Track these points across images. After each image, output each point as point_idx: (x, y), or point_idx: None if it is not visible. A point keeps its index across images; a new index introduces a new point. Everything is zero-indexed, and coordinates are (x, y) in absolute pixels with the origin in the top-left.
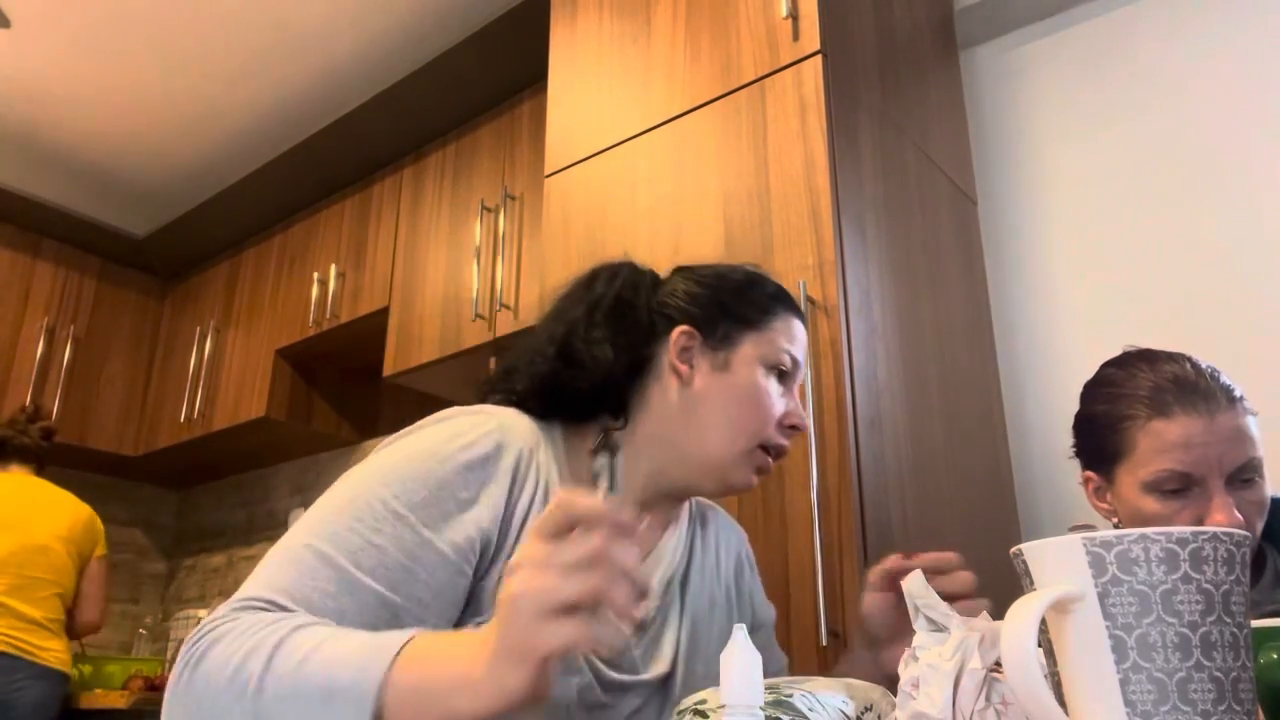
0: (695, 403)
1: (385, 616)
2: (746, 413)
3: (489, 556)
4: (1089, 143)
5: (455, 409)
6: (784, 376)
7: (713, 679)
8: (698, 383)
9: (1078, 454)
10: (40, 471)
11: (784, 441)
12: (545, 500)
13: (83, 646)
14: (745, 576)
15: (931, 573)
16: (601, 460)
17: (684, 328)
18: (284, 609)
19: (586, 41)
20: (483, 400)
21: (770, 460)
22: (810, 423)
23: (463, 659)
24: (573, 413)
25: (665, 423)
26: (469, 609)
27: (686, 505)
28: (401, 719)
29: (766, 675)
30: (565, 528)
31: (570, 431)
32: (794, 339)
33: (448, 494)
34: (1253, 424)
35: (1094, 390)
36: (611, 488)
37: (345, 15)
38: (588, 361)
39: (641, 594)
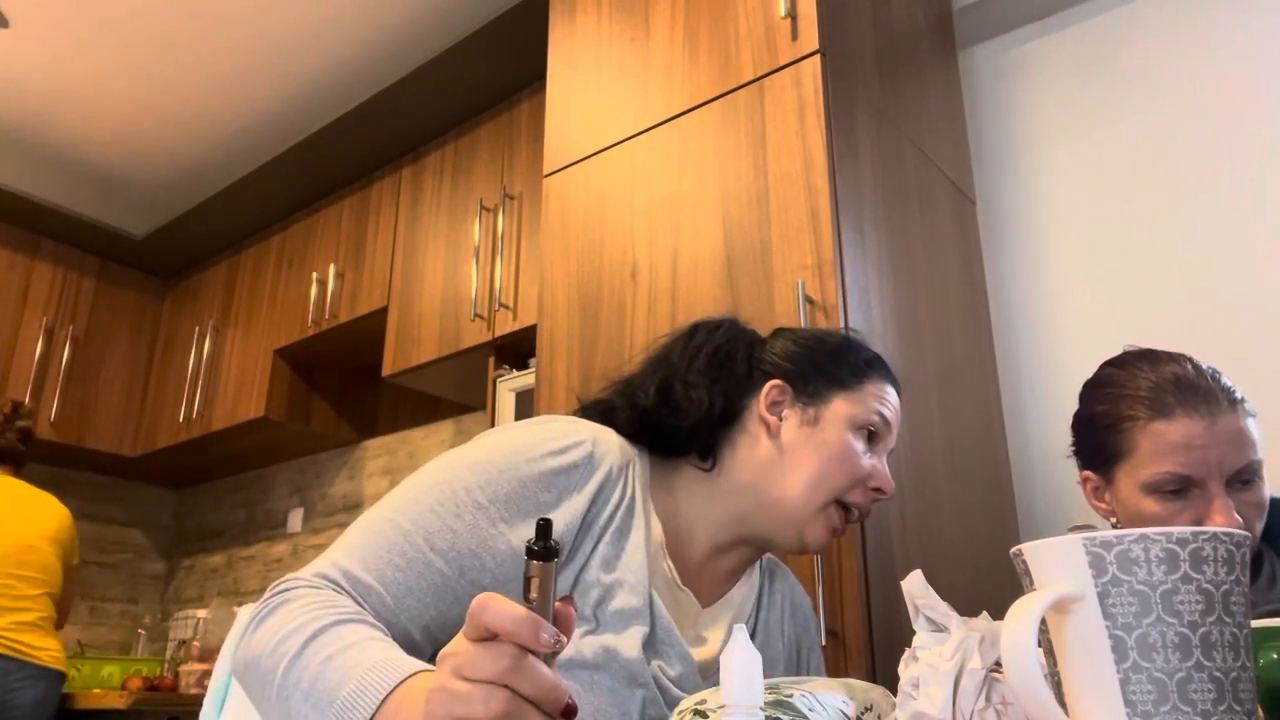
0: (781, 453)
1: (448, 599)
2: (830, 468)
3: (563, 559)
4: (1088, 142)
5: (556, 415)
6: (873, 438)
7: None
8: (785, 435)
9: (1076, 453)
10: (19, 472)
11: (865, 501)
12: (629, 513)
13: (82, 647)
14: (808, 641)
15: None
16: (534, 565)
17: (776, 381)
18: (358, 580)
19: (585, 41)
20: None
21: (846, 520)
22: None
23: None
24: (664, 448)
25: (750, 471)
26: None
27: (759, 563)
28: None
29: None
30: (483, 635)
31: (657, 459)
32: (886, 403)
33: (530, 493)
34: (1253, 426)
35: (1094, 390)
36: (539, 595)
37: (345, 15)
38: (684, 404)
39: (568, 711)
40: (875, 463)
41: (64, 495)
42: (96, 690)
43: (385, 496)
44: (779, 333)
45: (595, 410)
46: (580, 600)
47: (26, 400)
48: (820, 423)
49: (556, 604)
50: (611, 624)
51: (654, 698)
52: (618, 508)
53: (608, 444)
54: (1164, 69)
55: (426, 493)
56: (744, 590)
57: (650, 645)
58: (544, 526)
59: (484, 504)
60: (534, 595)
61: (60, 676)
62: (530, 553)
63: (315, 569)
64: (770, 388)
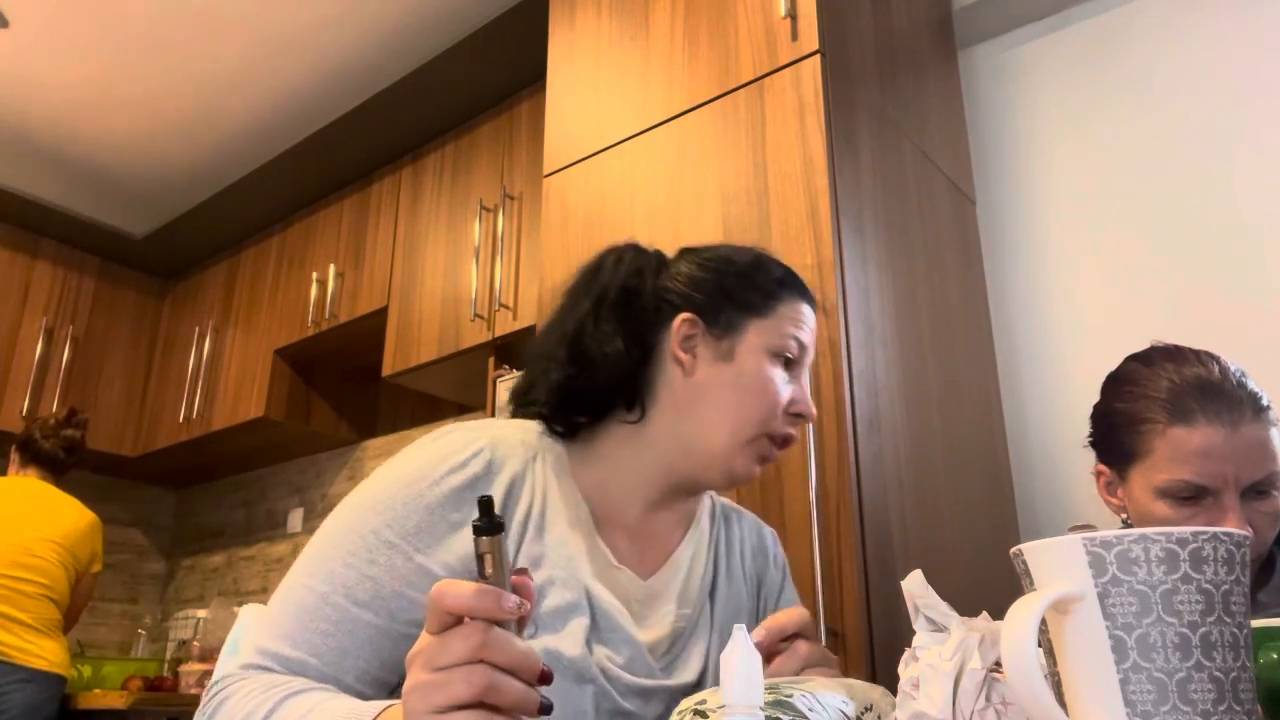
0: (698, 394)
1: (389, 644)
2: (750, 403)
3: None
4: (1087, 141)
5: (451, 425)
6: (790, 364)
7: None
8: (700, 373)
9: (1093, 445)
10: (59, 480)
11: (790, 430)
12: (546, 506)
13: (82, 647)
14: (770, 579)
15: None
16: (483, 541)
17: (686, 315)
18: (289, 659)
19: (585, 41)
20: (514, 417)
21: (775, 450)
22: (809, 423)
23: None
24: (591, 411)
25: (671, 415)
26: None
27: (709, 509)
28: None
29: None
30: (446, 622)
31: (581, 433)
32: (801, 324)
33: (439, 517)
34: (1275, 435)
35: (1116, 386)
36: (495, 569)
37: (344, 15)
38: (599, 359)
39: (544, 678)
40: (794, 388)
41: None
42: (96, 690)
43: (299, 557)
44: (684, 254)
45: (519, 397)
46: None
47: (27, 400)
48: (735, 356)
49: (513, 577)
50: (549, 624)
51: (603, 689)
52: (532, 505)
53: (508, 444)
54: (1164, 69)
55: (335, 546)
56: (690, 549)
57: (594, 635)
58: (486, 502)
59: (395, 542)
60: (489, 570)
61: (58, 680)
62: (477, 530)
63: (243, 660)
64: (681, 323)
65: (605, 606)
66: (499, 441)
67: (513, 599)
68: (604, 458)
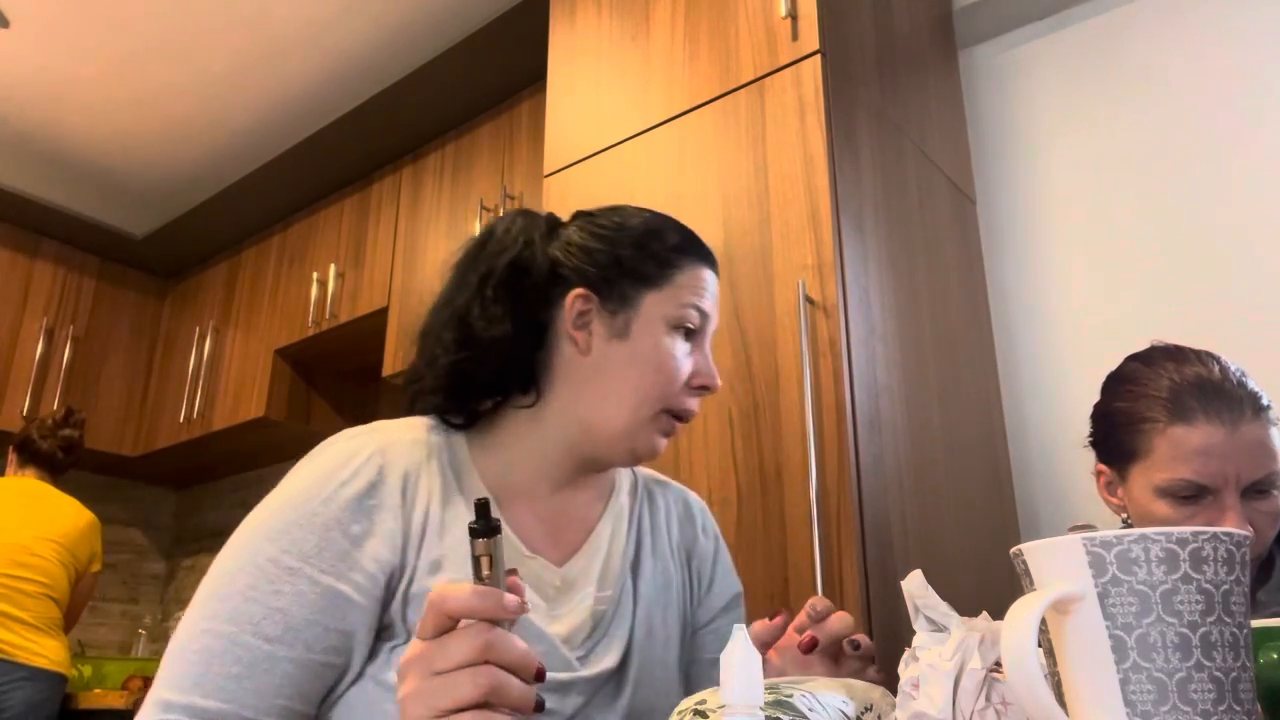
0: (595, 373)
1: (308, 677)
2: (649, 380)
3: (396, 581)
4: (1087, 141)
5: (334, 437)
6: (691, 334)
7: (671, 667)
8: (596, 351)
9: (1093, 445)
10: (57, 480)
11: (691, 405)
12: (445, 504)
13: (82, 647)
14: (701, 548)
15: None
16: (480, 544)
17: (579, 291)
18: (204, 710)
19: (585, 41)
20: (410, 412)
21: (676, 424)
22: (810, 423)
23: None
24: (489, 396)
25: (568, 396)
26: (381, 635)
27: (629, 483)
28: None
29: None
30: (445, 625)
31: (483, 425)
32: (701, 291)
33: (338, 534)
34: (1276, 435)
35: (1116, 385)
36: (492, 571)
37: (344, 15)
38: (488, 342)
39: (538, 676)
40: (696, 358)
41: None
42: (96, 690)
43: (192, 601)
44: (576, 219)
45: (408, 384)
46: (415, 613)
47: (27, 400)
48: (632, 332)
49: (508, 578)
50: None
51: None
52: (430, 507)
53: (398, 445)
54: (1164, 68)
55: (233, 582)
56: (609, 526)
57: None
58: (482, 505)
59: (297, 567)
60: (486, 572)
61: (58, 679)
62: (474, 531)
63: (145, 717)
64: (574, 299)
65: None
66: (388, 445)
67: (514, 599)
68: (505, 444)
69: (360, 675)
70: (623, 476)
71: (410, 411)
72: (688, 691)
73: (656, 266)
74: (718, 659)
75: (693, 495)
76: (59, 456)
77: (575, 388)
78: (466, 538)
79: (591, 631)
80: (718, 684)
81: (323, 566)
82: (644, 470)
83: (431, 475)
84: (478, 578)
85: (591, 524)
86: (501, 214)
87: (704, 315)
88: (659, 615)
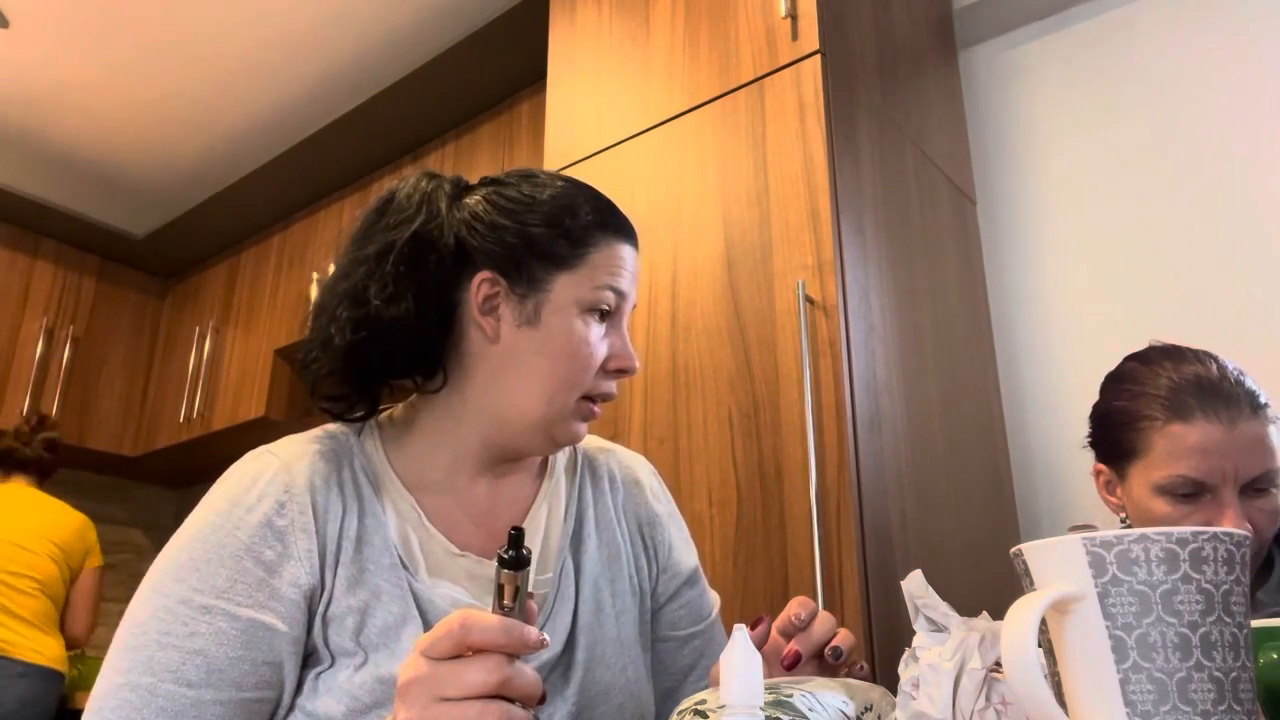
0: (505, 361)
1: (243, 714)
2: (563, 367)
3: (315, 603)
4: (1087, 141)
5: (235, 465)
6: (606, 315)
7: (626, 642)
8: (505, 338)
9: (1092, 445)
10: (42, 483)
11: (608, 388)
12: (362, 515)
13: (82, 648)
14: (653, 514)
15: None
16: (505, 574)
17: (485, 274)
18: None
19: (585, 41)
20: (312, 395)
21: (596, 408)
22: (809, 423)
23: None
24: (389, 377)
25: (480, 384)
26: (306, 663)
27: (566, 461)
28: None
29: (701, 619)
30: (460, 652)
31: (396, 424)
32: (617, 270)
33: (250, 563)
34: (1274, 433)
35: (1115, 384)
36: (516, 601)
37: (344, 15)
38: (387, 323)
39: (541, 699)
40: (613, 339)
41: (64, 495)
42: None
43: (107, 656)
44: (483, 186)
45: (306, 372)
46: (337, 635)
47: (26, 401)
48: (542, 319)
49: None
50: (379, 644)
51: None
52: (344, 520)
53: (303, 460)
54: (1164, 69)
55: (145, 631)
56: (544, 509)
57: None
58: (517, 536)
59: (212, 604)
60: (508, 603)
61: (56, 676)
62: (503, 562)
63: None
64: (480, 282)
65: (440, 606)
66: (292, 460)
67: (536, 635)
68: (420, 439)
69: (291, 709)
70: (559, 454)
71: (312, 395)
72: (652, 669)
73: (569, 246)
74: (688, 635)
75: (640, 460)
76: (45, 458)
77: (486, 378)
78: (389, 542)
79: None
80: (691, 663)
81: (239, 600)
82: (589, 438)
83: (344, 486)
84: (499, 607)
85: (525, 508)
86: None
87: (620, 295)
88: (607, 590)
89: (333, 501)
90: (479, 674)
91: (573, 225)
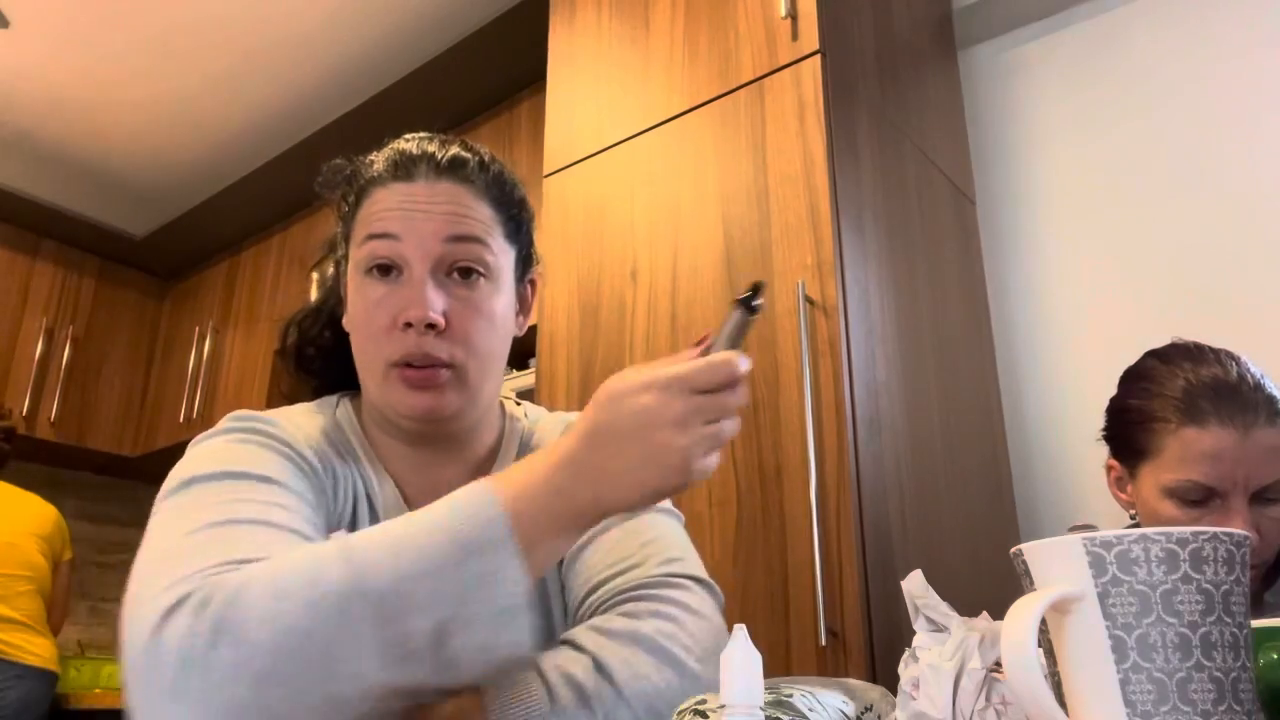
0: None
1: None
2: (360, 340)
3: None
4: (1087, 142)
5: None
6: (389, 270)
7: (593, 602)
8: (345, 319)
9: (1106, 439)
10: (2, 474)
11: (416, 346)
12: (353, 516)
13: (81, 647)
14: None
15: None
16: (738, 315)
17: (335, 257)
18: (242, 542)
19: (585, 41)
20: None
21: (417, 372)
22: (809, 423)
23: (589, 463)
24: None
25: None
26: None
27: (518, 436)
28: (539, 527)
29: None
30: (724, 384)
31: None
32: (380, 215)
33: (294, 463)
34: None
35: (1132, 382)
36: (736, 342)
37: (344, 15)
38: (325, 315)
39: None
40: (403, 293)
41: (64, 495)
42: (97, 690)
43: (137, 582)
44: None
45: (295, 366)
46: None
47: (27, 400)
48: (351, 287)
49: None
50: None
51: None
52: (346, 507)
53: (321, 439)
54: (1163, 69)
55: (197, 509)
56: None
57: None
58: (760, 284)
59: (273, 478)
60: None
61: (50, 677)
62: (750, 309)
63: (176, 591)
64: (333, 263)
65: None
66: (309, 438)
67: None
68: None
69: None
70: (511, 441)
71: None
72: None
73: (349, 212)
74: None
75: (560, 419)
76: (5, 448)
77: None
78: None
79: None
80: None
81: (293, 487)
82: (535, 413)
83: (352, 473)
84: (731, 346)
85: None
86: None
87: (391, 239)
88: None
89: (343, 486)
90: (729, 404)
91: (343, 184)
